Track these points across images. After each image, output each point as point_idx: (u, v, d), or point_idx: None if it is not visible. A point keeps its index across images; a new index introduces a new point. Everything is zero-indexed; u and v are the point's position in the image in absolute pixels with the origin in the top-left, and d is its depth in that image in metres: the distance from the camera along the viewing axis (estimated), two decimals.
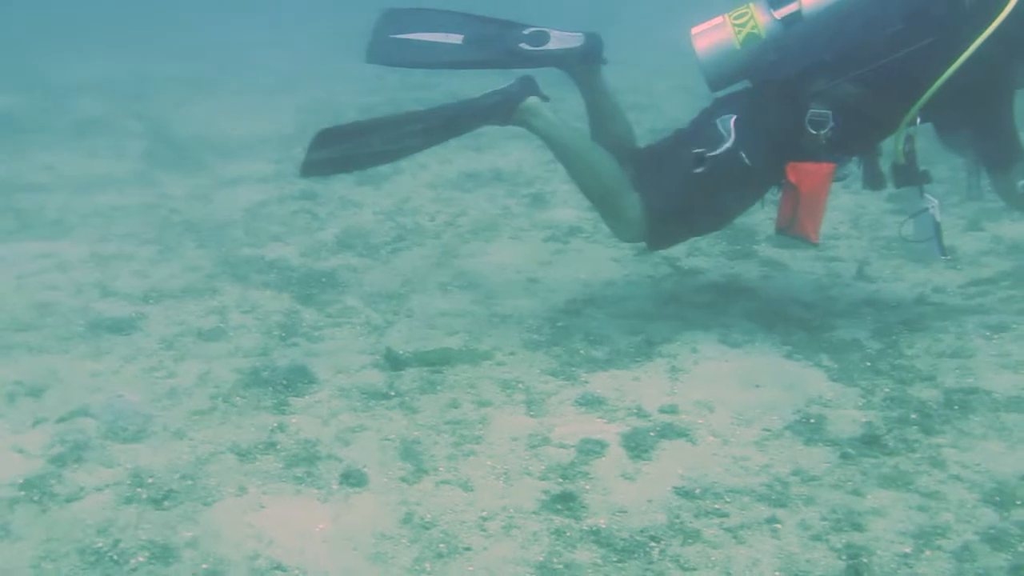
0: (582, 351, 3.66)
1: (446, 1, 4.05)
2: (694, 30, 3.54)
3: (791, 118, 3.40)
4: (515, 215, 5.57)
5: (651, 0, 13.28)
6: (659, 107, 8.10)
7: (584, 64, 3.78)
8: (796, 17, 3.43)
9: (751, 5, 3.49)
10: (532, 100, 3.67)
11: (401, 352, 3.63)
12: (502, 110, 3.64)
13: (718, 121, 3.55)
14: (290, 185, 6.26)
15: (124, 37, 12.63)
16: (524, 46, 3.73)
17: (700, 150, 3.44)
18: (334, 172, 4.75)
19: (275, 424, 3.12)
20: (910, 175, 3.52)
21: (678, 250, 4.78)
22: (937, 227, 3.49)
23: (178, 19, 13.85)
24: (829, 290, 4.22)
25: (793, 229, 3.50)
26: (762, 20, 3.46)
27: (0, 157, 7.04)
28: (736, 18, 3.47)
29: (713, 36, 3.49)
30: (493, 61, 3.76)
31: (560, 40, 3.74)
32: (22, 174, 6.61)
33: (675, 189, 3.56)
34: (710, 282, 4.39)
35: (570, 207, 5.69)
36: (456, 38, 3.77)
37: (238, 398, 3.31)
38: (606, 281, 4.47)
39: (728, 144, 3.44)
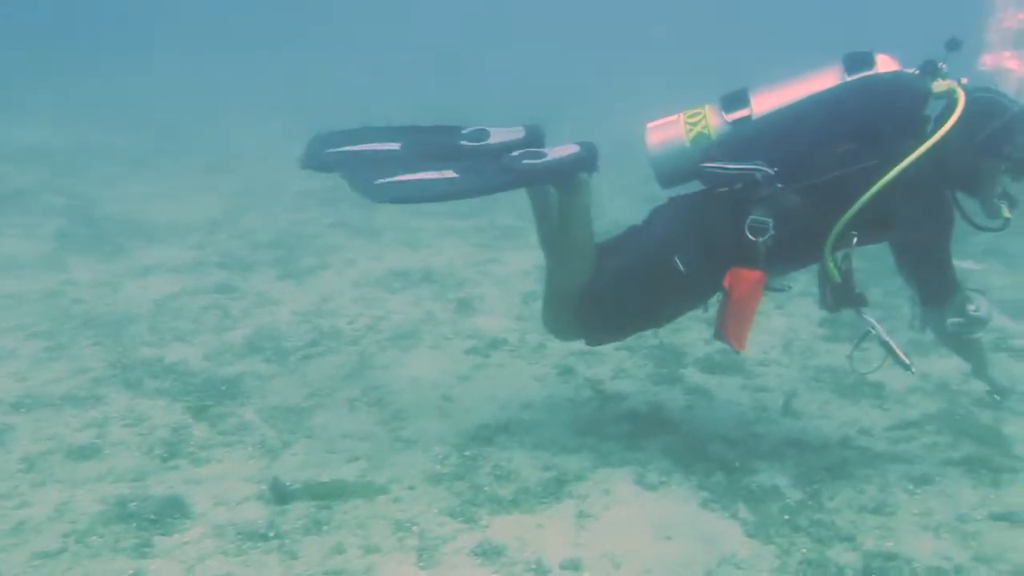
0: (487, 488, 3.40)
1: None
2: (649, 124, 3.46)
3: (732, 222, 3.28)
4: (439, 321, 5.35)
5: (593, 99, 13.44)
6: (602, 206, 8.04)
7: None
8: (746, 122, 3.35)
9: (706, 107, 3.41)
10: (583, 176, 3.52)
11: (290, 483, 3.34)
12: (553, 178, 3.50)
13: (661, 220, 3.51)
14: (206, 276, 5.99)
15: (77, 103, 12.36)
16: (465, 143, 3.58)
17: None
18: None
19: (130, 572, 2.79)
20: (846, 296, 3.39)
21: (603, 374, 4.60)
22: (888, 347, 3.33)
23: (136, 88, 13.59)
24: (754, 425, 4.04)
25: (720, 334, 3.37)
26: (714, 122, 3.39)
27: None
28: (690, 116, 3.41)
29: (665, 132, 3.42)
30: (433, 165, 3.58)
31: (500, 134, 3.60)
32: None
33: (612, 279, 3.46)
34: (631, 410, 4.18)
35: (497, 315, 5.50)
36: (393, 146, 3.59)
37: (94, 537, 2.98)
38: (524, 403, 4.24)
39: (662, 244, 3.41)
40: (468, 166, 3.42)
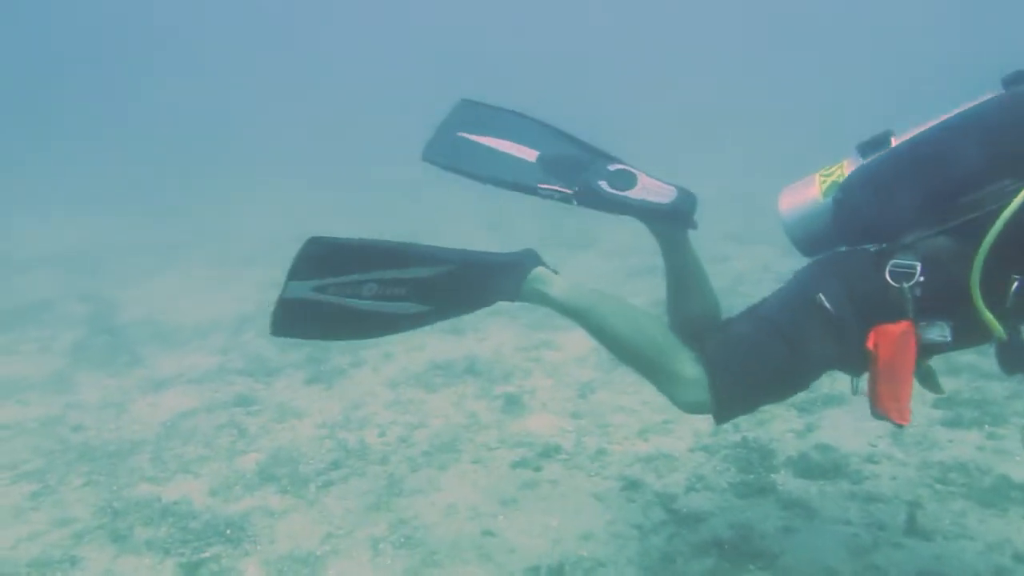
0: None
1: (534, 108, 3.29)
2: (783, 190, 2.89)
3: (874, 270, 2.62)
4: (482, 426, 4.63)
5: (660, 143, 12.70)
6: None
7: (669, 225, 3.03)
8: None
9: (844, 161, 2.83)
10: (540, 269, 2.89)
11: None
12: (510, 277, 2.87)
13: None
14: (227, 387, 5.40)
15: (108, 196, 12.14)
16: (604, 185, 2.93)
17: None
18: (306, 334, 3.42)
19: None
20: (1017, 357, 2.58)
21: (677, 486, 3.82)
22: None
23: (172, 173, 13.37)
24: (871, 554, 3.19)
25: (875, 407, 2.61)
26: (850, 171, 2.76)
27: None
28: (825, 172, 2.85)
29: (797, 193, 2.87)
30: (566, 196, 2.96)
31: (647, 190, 2.95)
32: None
33: (746, 328, 2.78)
34: (714, 536, 3.38)
35: (549, 412, 4.77)
36: (530, 154, 3.05)
37: None
38: (582, 533, 3.48)
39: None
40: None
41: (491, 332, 6.29)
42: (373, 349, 5.97)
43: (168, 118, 18.59)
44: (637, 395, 4.93)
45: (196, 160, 15.28)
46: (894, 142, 2.73)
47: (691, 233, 3.02)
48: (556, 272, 2.91)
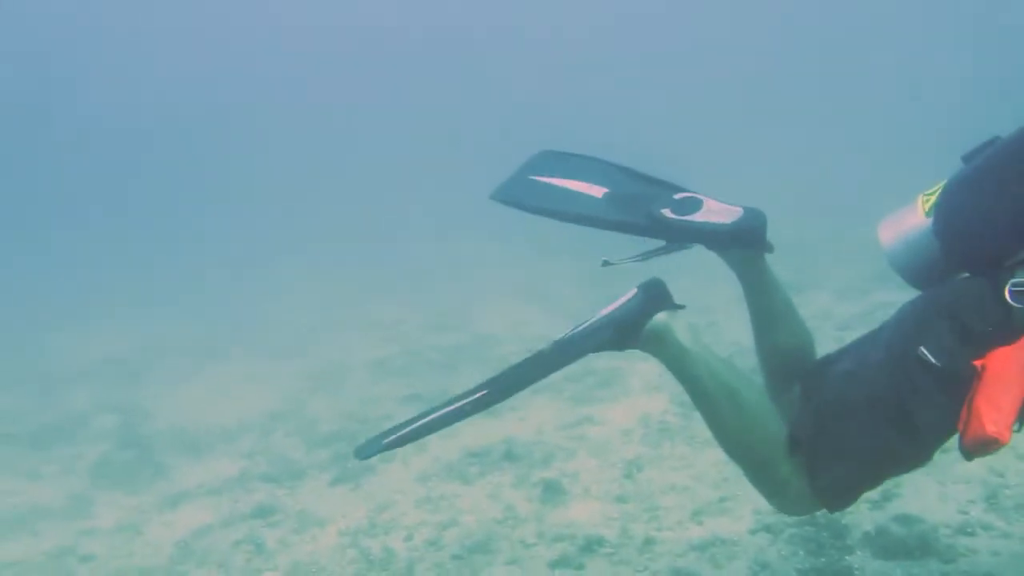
0: None
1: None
2: (883, 221, 2.56)
3: (992, 294, 2.22)
4: (520, 519, 4.18)
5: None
6: (718, 325, 6.81)
7: (737, 247, 2.72)
8: None
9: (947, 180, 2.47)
10: (660, 320, 2.52)
11: None
12: (617, 339, 2.54)
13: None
14: (248, 495, 5.04)
15: (146, 299, 12.09)
16: (667, 212, 2.67)
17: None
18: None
19: None
20: None
21: (737, 572, 3.32)
22: None
23: (206, 274, 13.30)
24: None
25: (966, 434, 2.13)
26: None
27: None
28: (927, 194, 2.49)
29: (900, 220, 2.51)
30: (628, 225, 2.72)
31: (712, 212, 2.64)
32: None
33: (842, 426, 2.36)
34: None
35: (593, 498, 4.31)
36: (598, 191, 2.86)
37: None
38: None
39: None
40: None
41: (532, 410, 5.84)
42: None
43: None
44: (689, 469, 4.44)
45: (238, 242, 15.31)
46: None
47: None
48: (680, 307, 2.56)
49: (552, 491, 4.47)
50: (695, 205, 2.67)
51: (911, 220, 2.48)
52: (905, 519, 3.54)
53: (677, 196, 2.72)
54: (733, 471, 4.31)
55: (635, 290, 2.58)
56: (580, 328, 2.60)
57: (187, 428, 6.64)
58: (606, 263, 2.69)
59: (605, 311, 2.57)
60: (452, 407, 2.53)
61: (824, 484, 2.33)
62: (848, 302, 7.32)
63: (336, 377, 7.47)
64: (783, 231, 2.76)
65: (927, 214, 2.40)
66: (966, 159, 2.38)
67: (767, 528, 3.67)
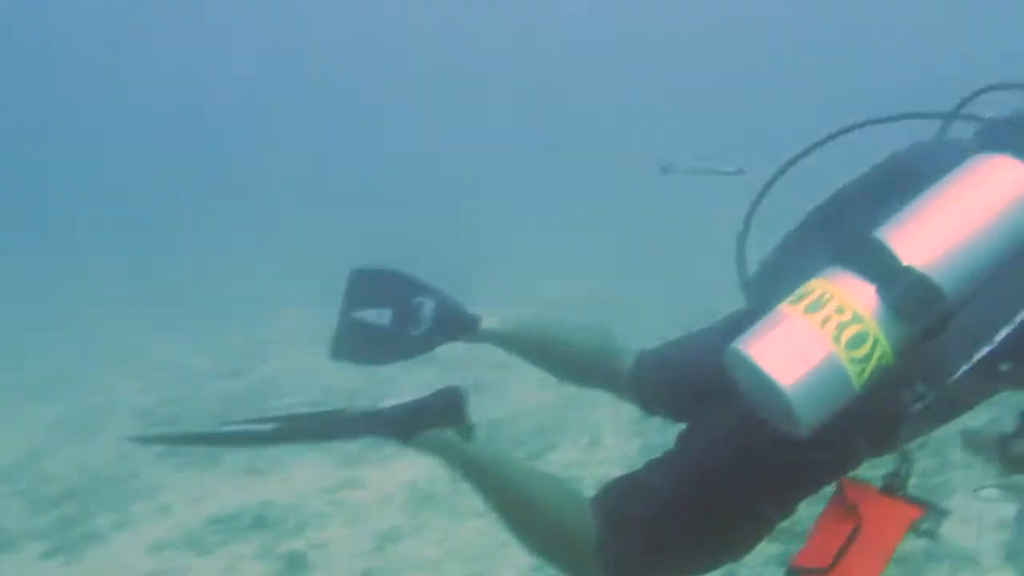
0: None
1: None
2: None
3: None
4: None
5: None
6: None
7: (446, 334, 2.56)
8: None
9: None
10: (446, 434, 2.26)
11: None
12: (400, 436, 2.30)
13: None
14: None
15: None
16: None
17: None
18: None
19: None
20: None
21: None
22: None
23: None
24: None
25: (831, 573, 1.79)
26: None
27: None
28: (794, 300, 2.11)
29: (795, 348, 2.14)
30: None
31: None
32: None
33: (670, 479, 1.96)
34: None
35: (335, 574, 3.92)
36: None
37: None
38: None
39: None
40: None
41: (298, 469, 5.37)
42: (146, 502, 4.99)
43: None
44: (444, 543, 4.14)
45: None
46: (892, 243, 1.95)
47: None
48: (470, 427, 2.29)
49: (294, 565, 4.07)
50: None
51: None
52: None
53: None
54: (490, 543, 4.08)
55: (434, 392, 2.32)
56: (382, 408, 2.33)
57: None
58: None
59: (403, 401, 2.31)
60: (224, 429, 2.34)
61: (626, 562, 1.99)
62: None
63: (92, 425, 6.73)
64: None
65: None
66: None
67: None
